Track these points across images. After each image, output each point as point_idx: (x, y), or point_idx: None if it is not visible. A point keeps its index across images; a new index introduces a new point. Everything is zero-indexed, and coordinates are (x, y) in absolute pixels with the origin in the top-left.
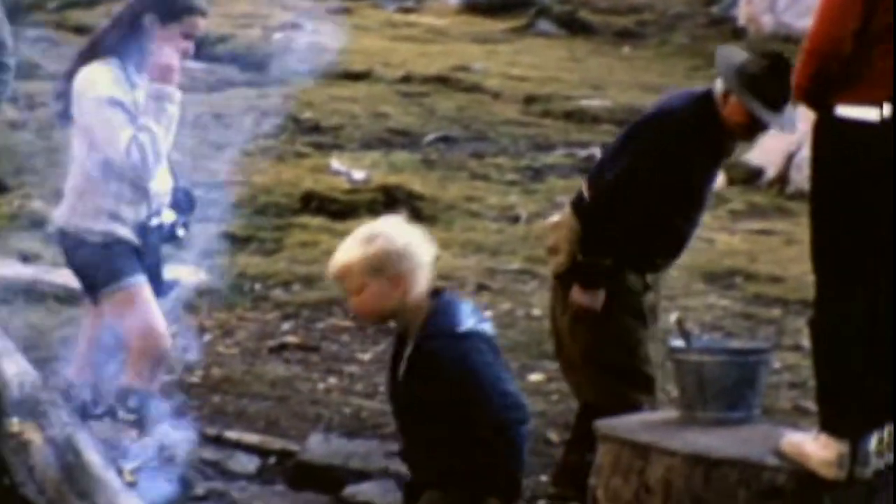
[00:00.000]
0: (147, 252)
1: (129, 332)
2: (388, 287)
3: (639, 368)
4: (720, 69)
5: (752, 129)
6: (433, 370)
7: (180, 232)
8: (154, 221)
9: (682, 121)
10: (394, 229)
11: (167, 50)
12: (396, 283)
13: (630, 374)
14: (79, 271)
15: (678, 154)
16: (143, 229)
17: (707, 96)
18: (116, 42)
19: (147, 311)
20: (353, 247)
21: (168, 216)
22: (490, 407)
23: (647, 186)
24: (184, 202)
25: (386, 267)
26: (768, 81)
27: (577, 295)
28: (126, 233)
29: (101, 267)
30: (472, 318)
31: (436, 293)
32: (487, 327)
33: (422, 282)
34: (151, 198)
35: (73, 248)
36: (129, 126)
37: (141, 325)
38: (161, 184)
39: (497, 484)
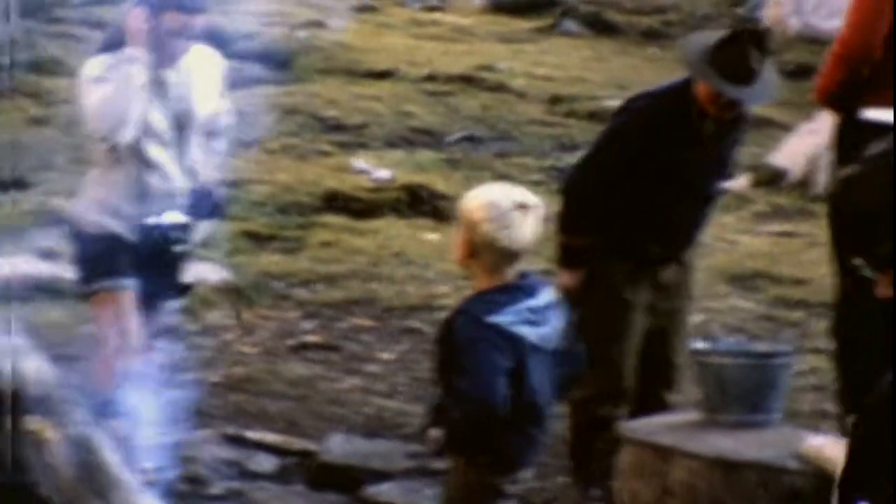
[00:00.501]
0: (149, 253)
1: (99, 336)
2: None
3: (604, 361)
4: (681, 51)
5: (720, 105)
6: (439, 334)
7: (184, 235)
8: (151, 220)
9: (648, 105)
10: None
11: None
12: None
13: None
14: (72, 263)
15: (640, 136)
16: (140, 228)
17: (686, 83)
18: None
19: (117, 319)
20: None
21: (171, 217)
22: (460, 393)
23: (611, 167)
24: (202, 205)
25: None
26: (725, 54)
27: (559, 276)
28: (120, 228)
29: (88, 262)
30: (511, 316)
31: (521, 275)
32: (529, 331)
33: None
34: (152, 195)
35: (71, 238)
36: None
37: (107, 332)
38: (166, 182)
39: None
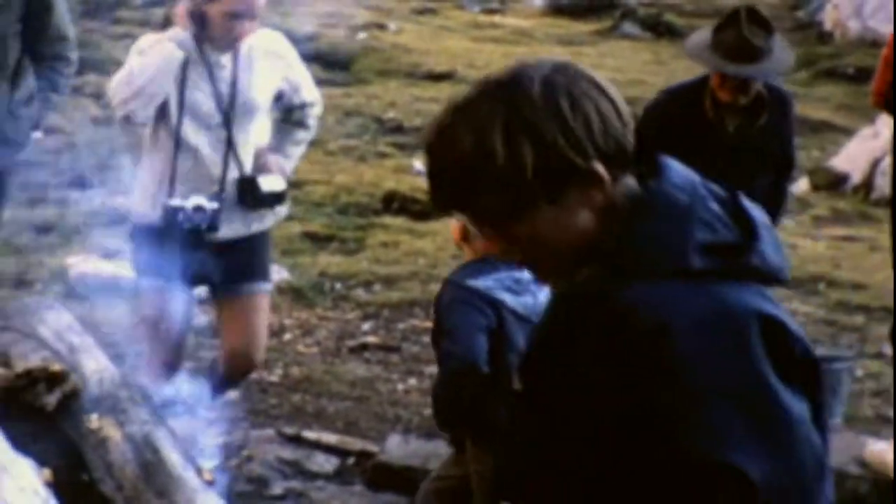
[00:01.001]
0: (179, 239)
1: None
2: None
3: None
4: (687, 44)
5: (730, 88)
6: (433, 308)
7: (210, 220)
8: (175, 202)
9: (660, 100)
10: None
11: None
12: None
13: None
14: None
15: (652, 129)
16: (165, 211)
17: (704, 78)
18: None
19: (164, 315)
20: None
21: (197, 201)
22: (443, 352)
23: None
24: (246, 195)
25: None
26: (724, 35)
27: None
28: (150, 215)
29: (136, 255)
30: (491, 281)
31: None
32: (510, 298)
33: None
34: (184, 179)
35: (129, 232)
36: None
37: (157, 329)
38: (201, 166)
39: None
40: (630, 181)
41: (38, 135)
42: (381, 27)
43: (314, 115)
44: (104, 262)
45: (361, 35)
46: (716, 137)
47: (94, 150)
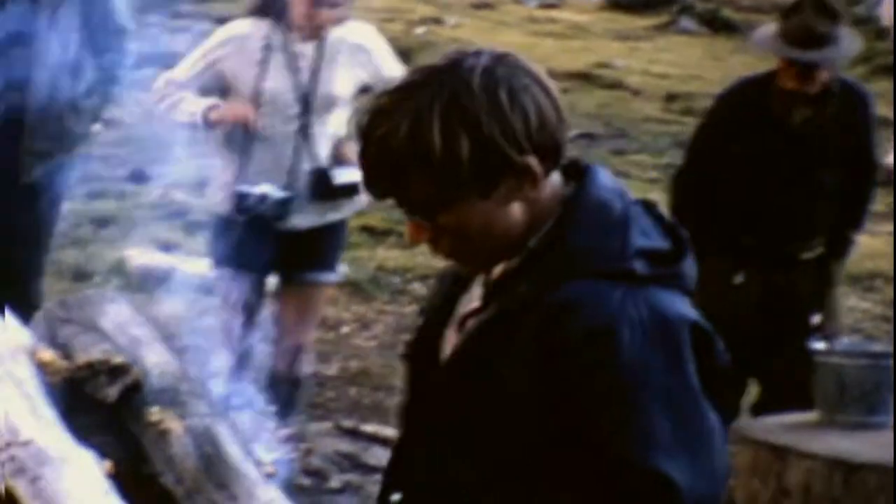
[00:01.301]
0: (248, 227)
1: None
2: None
3: None
4: (754, 35)
5: (796, 76)
6: None
7: (278, 210)
8: (242, 189)
9: (728, 91)
10: None
11: None
12: None
13: None
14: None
15: (720, 121)
16: (232, 197)
17: (773, 71)
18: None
19: (236, 305)
20: None
21: (265, 189)
22: None
23: (699, 156)
24: (320, 187)
25: None
26: (790, 23)
27: None
28: (224, 203)
29: (211, 245)
30: None
31: None
32: None
33: None
34: (256, 167)
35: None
36: None
37: (229, 320)
38: (274, 155)
39: None
40: (560, 179)
41: (97, 128)
42: (439, 22)
43: None
44: (162, 254)
45: (419, 30)
46: (780, 129)
47: (152, 143)
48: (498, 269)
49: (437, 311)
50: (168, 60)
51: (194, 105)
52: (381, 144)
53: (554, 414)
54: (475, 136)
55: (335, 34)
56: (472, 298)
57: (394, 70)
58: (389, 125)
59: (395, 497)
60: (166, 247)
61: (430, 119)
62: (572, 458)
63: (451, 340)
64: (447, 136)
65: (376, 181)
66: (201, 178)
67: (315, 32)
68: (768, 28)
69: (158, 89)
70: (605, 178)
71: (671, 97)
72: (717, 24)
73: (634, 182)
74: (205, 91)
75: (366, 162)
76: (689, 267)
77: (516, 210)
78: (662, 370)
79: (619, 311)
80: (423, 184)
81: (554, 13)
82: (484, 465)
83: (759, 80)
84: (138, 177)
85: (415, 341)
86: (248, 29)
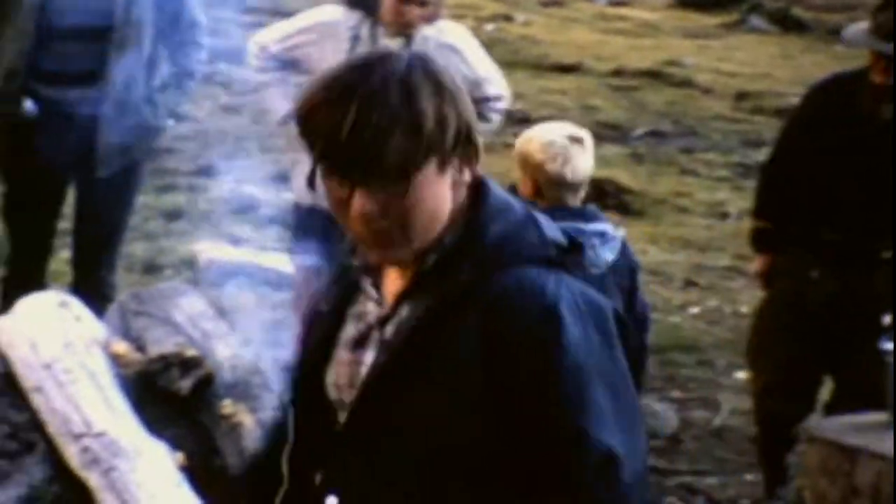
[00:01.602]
0: (322, 219)
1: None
2: None
3: (766, 350)
4: (845, 32)
5: (882, 67)
6: None
7: None
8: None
9: (818, 85)
10: None
11: None
12: None
13: (751, 364)
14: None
15: (807, 116)
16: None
17: (865, 68)
18: None
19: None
20: (542, 138)
21: None
22: None
23: (786, 149)
24: None
25: None
26: (883, 17)
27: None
28: (304, 196)
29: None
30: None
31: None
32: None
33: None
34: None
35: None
36: None
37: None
38: None
39: None
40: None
41: (169, 122)
42: (509, 19)
43: (497, 109)
44: (232, 248)
45: (489, 27)
46: (868, 124)
47: (223, 137)
48: (407, 272)
49: (318, 345)
50: (240, 56)
51: (279, 102)
52: (368, 105)
53: (501, 398)
54: (453, 104)
55: (426, 32)
56: (367, 314)
57: (488, 71)
58: (383, 97)
59: (332, 500)
60: (236, 241)
61: (422, 93)
62: (523, 439)
63: (345, 361)
64: (439, 108)
65: (352, 146)
66: (271, 172)
67: (403, 28)
68: (859, 25)
69: (253, 54)
70: (496, 186)
71: (741, 96)
72: (787, 23)
73: (703, 180)
74: (287, 67)
75: (340, 125)
76: (586, 256)
77: (449, 196)
78: (599, 351)
79: (559, 295)
80: (401, 145)
81: (624, 11)
82: (427, 462)
83: (852, 76)
84: (209, 171)
85: (300, 378)
86: (340, 17)
